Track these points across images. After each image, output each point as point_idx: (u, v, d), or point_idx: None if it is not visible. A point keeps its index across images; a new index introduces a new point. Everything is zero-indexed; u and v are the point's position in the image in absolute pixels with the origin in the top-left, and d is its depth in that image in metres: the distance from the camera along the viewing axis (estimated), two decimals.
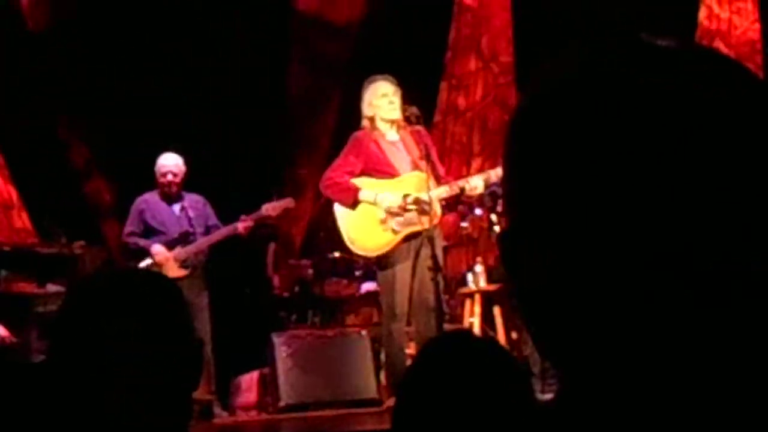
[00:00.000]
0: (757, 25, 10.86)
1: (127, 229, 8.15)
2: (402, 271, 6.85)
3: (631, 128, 0.74)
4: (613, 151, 0.74)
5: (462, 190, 6.85)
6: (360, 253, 7.16)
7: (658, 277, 0.73)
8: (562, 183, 0.76)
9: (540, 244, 0.78)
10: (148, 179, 8.19)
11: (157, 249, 7.92)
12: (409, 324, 7.01)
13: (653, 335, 0.74)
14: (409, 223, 6.86)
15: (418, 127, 7.14)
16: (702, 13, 10.97)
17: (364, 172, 6.99)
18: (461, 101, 11.40)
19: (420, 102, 7.30)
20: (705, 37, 10.77)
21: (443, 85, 11.41)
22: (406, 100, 7.05)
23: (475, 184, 6.83)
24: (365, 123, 7.05)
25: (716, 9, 10.93)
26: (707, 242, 0.73)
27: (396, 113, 6.96)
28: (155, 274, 2.06)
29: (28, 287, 8.21)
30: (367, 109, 7.03)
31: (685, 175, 0.73)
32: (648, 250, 0.73)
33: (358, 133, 7.07)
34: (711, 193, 0.73)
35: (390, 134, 7.03)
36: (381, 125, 7.00)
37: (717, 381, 0.73)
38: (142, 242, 8.00)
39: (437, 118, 11.13)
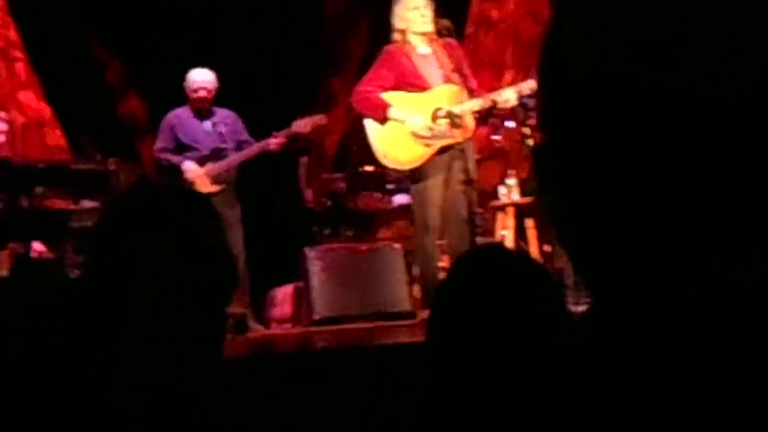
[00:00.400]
0: None
1: (159, 144, 8.16)
2: (434, 184, 6.86)
3: (660, 45, 0.73)
4: (649, 60, 0.73)
5: (494, 102, 6.81)
6: (392, 166, 7.16)
7: (685, 181, 0.73)
8: (595, 100, 0.76)
9: (573, 159, 0.77)
10: (180, 95, 8.18)
11: (189, 166, 7.93)
12: (441, 237, 7.03)
13: (680, 252, 0.74)
14: (441, 137, 6.85)
15: (450, 40, 7.10)
16: None
17: (396, 86, 6.97)
18: (494, 13, 11.27)
19: (451, 14, 7.24)
20: None
21: None
22: (438, 12, 7.00)
23: (507, 96, 6.80)
24: (397, 36, 7.01)
25: None
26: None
27: (428, 26, 6.92)
28: (188, 191, 2.07)
29: (63, 203, 8.25)
30: (398, 23, 6.99)
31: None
32: (659, 174, 0.73)
33: (389, 47, 7.04)
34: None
35: (422, 47, 6.99)
36: (412, 38, 6.97)
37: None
38: (174, 158, 8.02)
39: (469, 29, 11.02)
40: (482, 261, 1.92)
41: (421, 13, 6.91)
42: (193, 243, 1.71)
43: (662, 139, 0.73)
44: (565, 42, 0.79)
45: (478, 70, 10.02)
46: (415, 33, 6.95)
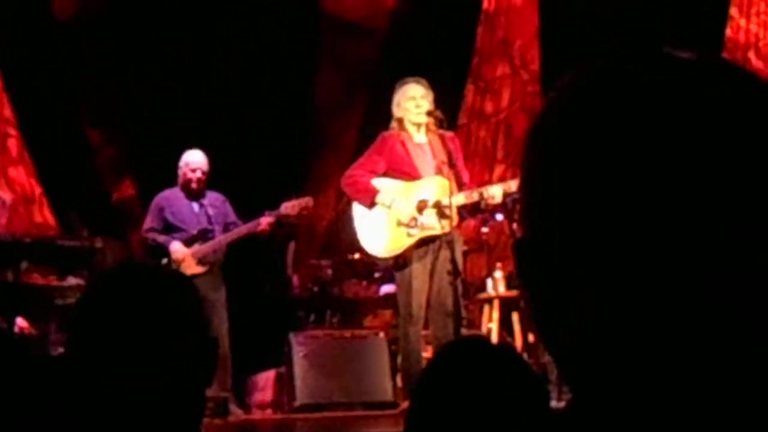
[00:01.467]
0: None
1: (147, 224, 8.17)
2: (419, 273, 6.86)
3: (649, 138, 0.75)
4: (631, 161, 0.75)
5: (481, 197, 6.84)
6: (373, 254, 7.19)
7: (671, 283, 0.73)
8: (579, 193, 0.76)
9: (554, 254, 0.78)
10: (169, 177, 8.22)
11: (176, 247, 7.94)
12: (426, 327, 7.02)
13: (665, 347, 0.74)
14: (424, 228, 6.88)
15: (448, 132, 7.18)
16: (729, 27, 10.92)
17: (388, 173, 7.02)
18: (488, 106, 11.37)
19: (445, 104, 7.31)
20: (735, 50, 10.72)
21: (470, 87, 11.37)
22: (436, 103, 7.07)
23: (493, 193, 6.82)
24: (394, 124, 7.09)
25: (742, 23, 10.87)
26: (718, 243, 0.73)
27: (422, 117, 6.98)
28: (172, 271, 2.07)
29: (48, 279, 8.23)
30: (396, 110, 7.07)
31: (700, 180, 0.73)
32: (663, 259, 0.73)
33: (385, 133, 7.11)
34: (722, 197, 0.73)
35: (417, 137, 7.05)
36: (409, 127, 7.03)
37: (726, 384, 0.74)
38: (161, 238, 8.03)
39: (462, 120, 11.11)
40: (464, 353, 1.91)
41: (417, 103, 6.97)
42: (178, 322, 1.71)
43: (641, 244, 0.74)
44: (551, 137, 0.81)
45: (469, 161, 10.10)
46: (411, 122, 7.01)
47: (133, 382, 1.65)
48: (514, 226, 7.13)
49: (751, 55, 10.77)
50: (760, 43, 10.84)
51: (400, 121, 7.05)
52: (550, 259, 0.78)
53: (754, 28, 10.85)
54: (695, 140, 0.74)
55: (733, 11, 10.92)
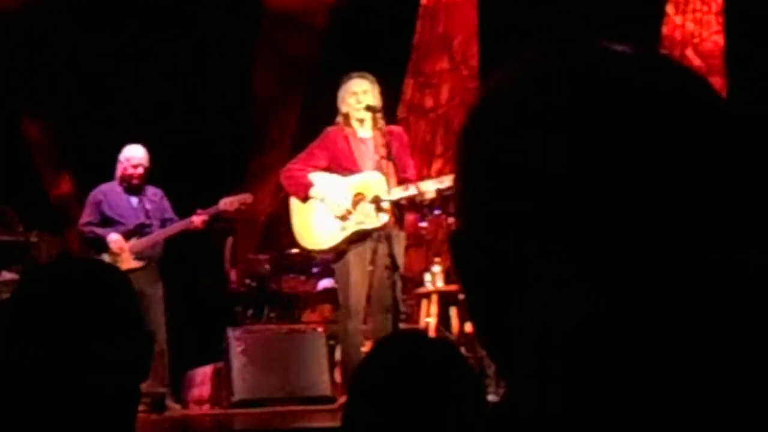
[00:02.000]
0: (721, 36, 10.90)
1: (84, 219, 8.13)
2: (357, 268, 6.87)
3: (581, 132, 0.75)
4: (565, 156, 0.75)
5: (416, 192, 6.85)
6: (308, 247, 7.21)
7: (613, 280, 0.73)
8: (511, 186, 0.77)
9: (490, 247, 0.78)
10: (107, 172, 8.16)
11: (114, 237, 7.90)
12: (365, 322, 7.03)
13: (603, 339, 0.74)
14: (358, 222, 6.89)
15: (396, 128, 7.23)
16: (665, 25, 11.02)
17: (329, 168, 7.03)
18: (427, 100, 11.37)
19: (385, 99, 7.31)
20: (672, 47, 10.81)
21: (409, 82, 11.36)
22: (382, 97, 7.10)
23: (427, 188, 6.83)
24: (339, 119, 7.10)
25: (678, 20, 10.98)
26: (661, 246, 0.73)
27: (362, 113, 6.99)
28: (107, 265, 2.06)
29: None
30: (341, 105, 7.08)
31: (636, 177, 0.73)
32: (602, 255, 0.73)
33: (329, 128, 7.12)
34: (662, 197, 0.73)
35: (362, 131, 7.06)
36: (353, 122, 7.04)
37: (668, 381, 0.74)
38: (98, 230, 7.99)
39: (402, 114, 11.09)
40: (399, 347, 1.91)
41: (358, 99, 6.98)
42: (111, 318, 1.70)
43: (576, 233, 0.74)
44: (483, 131, 0.80)
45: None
46: (354, 117, 7.02)
47: (66, 378, 1.64)
48: (451, 220, 7.15)
49: (689, 52, 10.88)
50: (696, 40, 10.95)
51: (346, 116, 7.06)
52: (485, 252, 0.78)
53: (690, 25, 10.96)
54: (628, 131, 0.74)
55: (669, 8, 11.02)
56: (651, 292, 0.73)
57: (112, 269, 1.94)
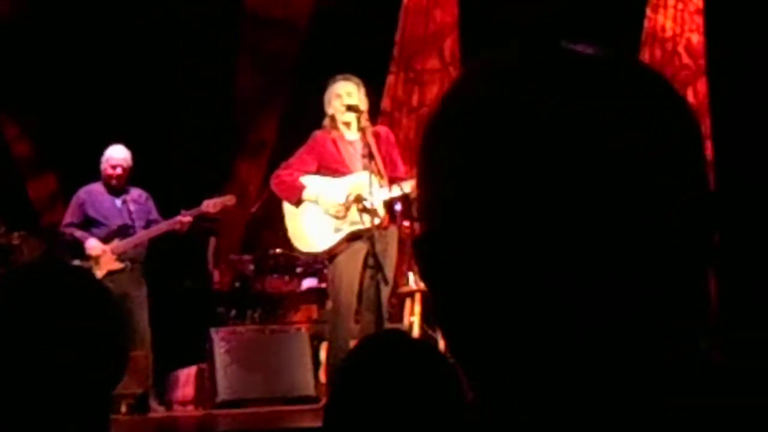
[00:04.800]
0: (698, 35, 10.89)
1: (66, 219, 8.13)
2: (349, 268, 6.89)
3: (529, 142, 0.75)
4: (513, 163, 0.75)
5: (402, 191, 6.87)
6: (304, 250, 7.21)
7: (544, 289, 0.74)
8: (467, 191, 0.77)
9: (453, 250, 0.78)
10: (92, 172, 8.16)
11: (92, 244, 7.90)
12: (357, 322, 7.04)
13: (543, 344, 0.75)
14: (352, 222, 6.90)
15: (382, 128, 7.28)
16: (647, 20, 11.02)
17: (319, 171, 7.05)
18: (415, 97, 11.34)
19: (369, 96, 7.33)
20: (649, 42, 10.82)
21: (399, 76, 11.27)
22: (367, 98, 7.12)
23: (411, 188, 6.84)
24: (326, 121, 7.12)
25: (661, 19, 10.98)
26: (588, 258, 0.74)
27: (347, 115, 7.00)
28: (83, 271, 2.05)
29: None
30: (327, 108, 7.10)
31: (573, 189, 0.74)
32: (537, 262, 0.74)
33: (316, 132, 7.13)
34: (592, 212, 0.74)
35: (349, 134, 7.08)
36: (340, 125, 7.06)
37: (598, 386, 0.75)
38: (78, 233, 7.98)
39: (388, 106, 11.02)
40: (380, 347, 1.92)
41: (342, 101, 7.00)
42: (87, 324, 1.70)
43: (521, 234, 0.75)
44: (443, 134, 0.81)
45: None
46: (340, 120, 7.04)
47: (36, 385, 1.64)
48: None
49: (681, 48, 10.87)
50: (678, 38, 10.94)
51: (332, 118, 7.08)
52: (447, 255, 0.78)
53: (669, 23, 10.96)
54: (583, 139, 0.74)
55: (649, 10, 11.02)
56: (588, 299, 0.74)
57: (87, 275, 1.93)
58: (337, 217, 6.92)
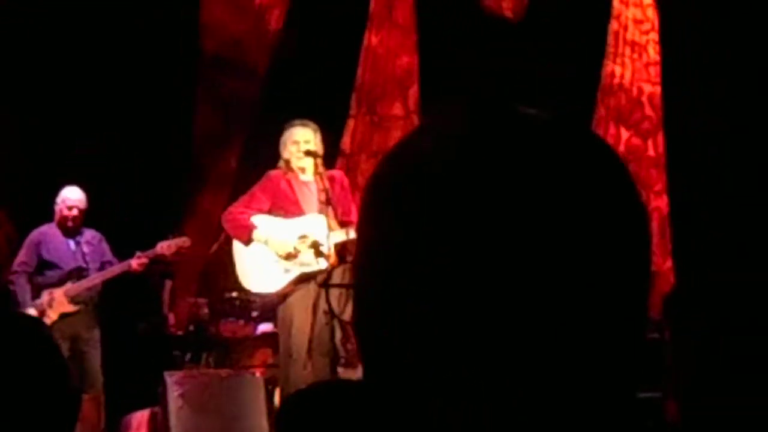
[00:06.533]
0: (651, 86, 10.94)
1: (20, 259, 8.06)
2: (300, 312, 6.87)
3: (471, 205, 0.76)
4: (453, 224, 0.77)
5: (354, 236, 6.88)
6: (254, 290, 7.21)
7: (464, 339, 0.77)
8: (408, 250, 0.79)
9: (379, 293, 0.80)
10: (43, 212, 8.12)
11: (38, 302, 7.81)
12: (306, 367, 7.00)
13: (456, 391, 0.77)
14: (303, 264, 6.90)
15: (336, 172, 7.30)
16: (605, 68, 11.07)
17: (272, 211, 7.05)
18: (376, 141, 11.33)
19: (326, 143, 7.36)
20: (614, 90, 10.87)
21: (363, 118, 11.26)
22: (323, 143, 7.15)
23: None
24: (281, 163, 7.14)
25: (618, 70, 11.03)
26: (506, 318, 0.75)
27: (303, 162, 7.03)
28: (33, 321, 2.04)
29: None
30: (283, 152, 7.13)
31: (506, 251, 0.75)
32: (463, 316, 0.76)
33: (270, 172, 7.16)
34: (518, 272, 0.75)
35: (303, 176, 7.10)
36: (295, 168, 7.08)
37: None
38: (19, 287, 7.88)
39: (347, 148, 11.01)
40: (315, 400, 1.92)
41: (299, 148, 7.02)
42: (35, 375, 1.69)
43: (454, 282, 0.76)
44: (381, 188, 0.82)
45: (355, 193, 10.07)
46: (295, 165, 7.07)
47: None
48: None
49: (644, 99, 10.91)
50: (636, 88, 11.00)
51: (287, 162, 7.11)
52: (372, 288, 0.81)
53: (627, 74, 11.03)
54: (510, 211, 0.76)
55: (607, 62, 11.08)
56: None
57: (36, 324, 1.92)
58: (287, 258, 6.92)
